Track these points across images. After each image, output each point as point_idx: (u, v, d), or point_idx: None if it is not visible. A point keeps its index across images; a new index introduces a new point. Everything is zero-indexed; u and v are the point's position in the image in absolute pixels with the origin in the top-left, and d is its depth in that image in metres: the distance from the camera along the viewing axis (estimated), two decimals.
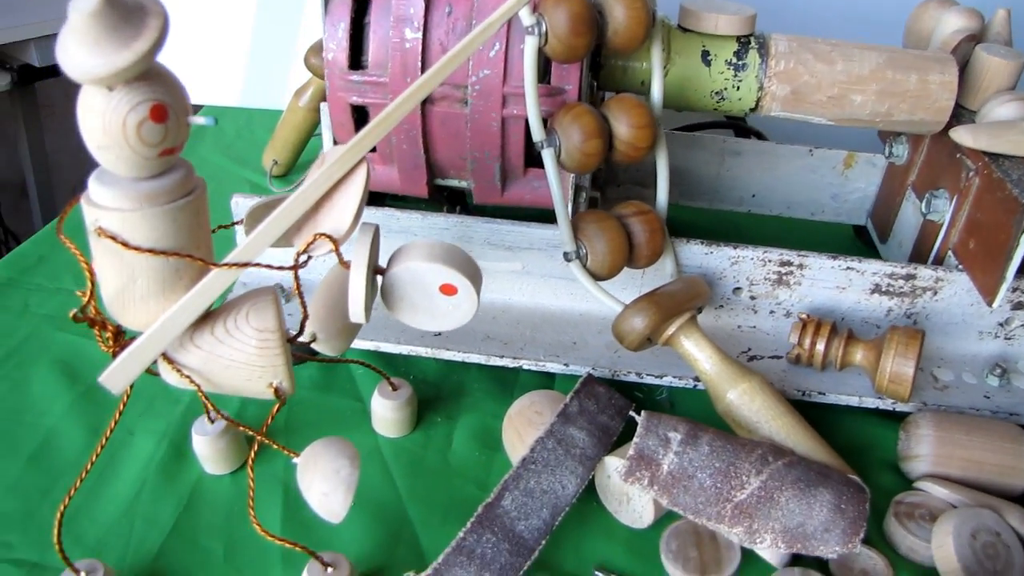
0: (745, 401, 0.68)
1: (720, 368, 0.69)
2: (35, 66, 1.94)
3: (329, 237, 0.54)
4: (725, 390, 0.69)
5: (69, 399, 0.78)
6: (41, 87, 2.16)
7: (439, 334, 0.77)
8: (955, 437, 0.70)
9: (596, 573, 0.63)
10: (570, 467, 0.65)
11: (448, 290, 0.57)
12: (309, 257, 0.56)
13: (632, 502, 0.65)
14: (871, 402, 0.74)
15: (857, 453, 0.74)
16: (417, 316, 0.59)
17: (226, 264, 0.54)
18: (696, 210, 1.02)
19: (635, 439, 0.64)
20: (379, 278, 0.59)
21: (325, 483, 0.56)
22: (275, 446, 0.61)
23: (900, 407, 0.74)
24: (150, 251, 0.52)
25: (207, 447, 0.69)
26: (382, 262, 0.60)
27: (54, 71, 1.98)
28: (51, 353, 0.84)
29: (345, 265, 0.56)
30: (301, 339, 0.61)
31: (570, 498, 0.64)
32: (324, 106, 0.78)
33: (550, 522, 0.63)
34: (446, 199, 0.89)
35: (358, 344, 0.76)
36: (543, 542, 0.62)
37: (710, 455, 0.63)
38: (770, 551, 0.63)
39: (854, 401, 0.74)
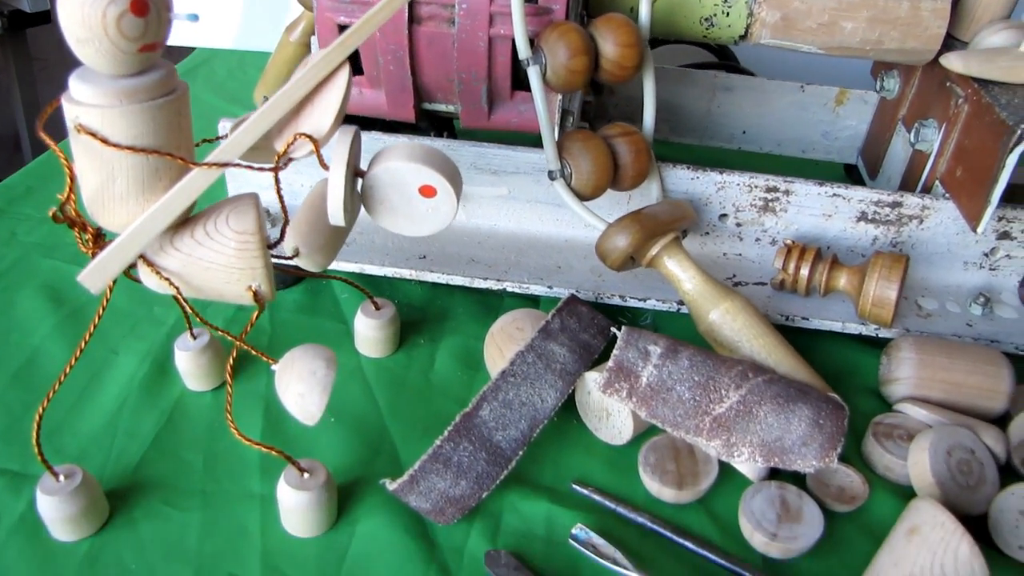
0: (727, 320, 0.68)
1: (702, 288, 0.69)
2: (26, 11, 1.92)
3: (309, 137, 0.54)
4: (707, 310, 0.69)
5: (54, 321, 0.78)
6: (33, 39, 2.14)
7: (424, 257, 0.77)
8: (936, 360, 0.70)
9: (573, 486, 0.64)
10: (550, 381, 0.65)
11: (427, 192, 0.56)
12: (290, 159, 0.56)
13: (611, 418, 0.65)
14: (854, 327, 0.74)
15: (839, 378, 0.74)
16: (397, 220, 0.59)
17: (207, 163, 0.54)
18: (685, 147, 1.02)
19: (615, 351, 0.64)
20: (359, 181, 0.58)
21: (301, 384, 0.56)
22: (254, 352, 0.60)
23: (883, 333, 0.74)
24: (129, 148, 0.51)
25: (189, 363, 0.69)
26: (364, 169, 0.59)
27: (46, 17, 1.96)
28: (38, 278, 0.83)
29: (325, 166, 0.55)
30: (282, 251, 0.61)
31: (549, 411, 0.64)
32: (315, 39, 0.78)
33: (528, 433, 0.63)
34: (433, 128, 0.89)
35: (342, 266, 0.76)
36: (520, 453, 0.62)
37: (690, 369, 0.63)
38: (747, 465, 0.63)
39: (837, 326, 0.74)
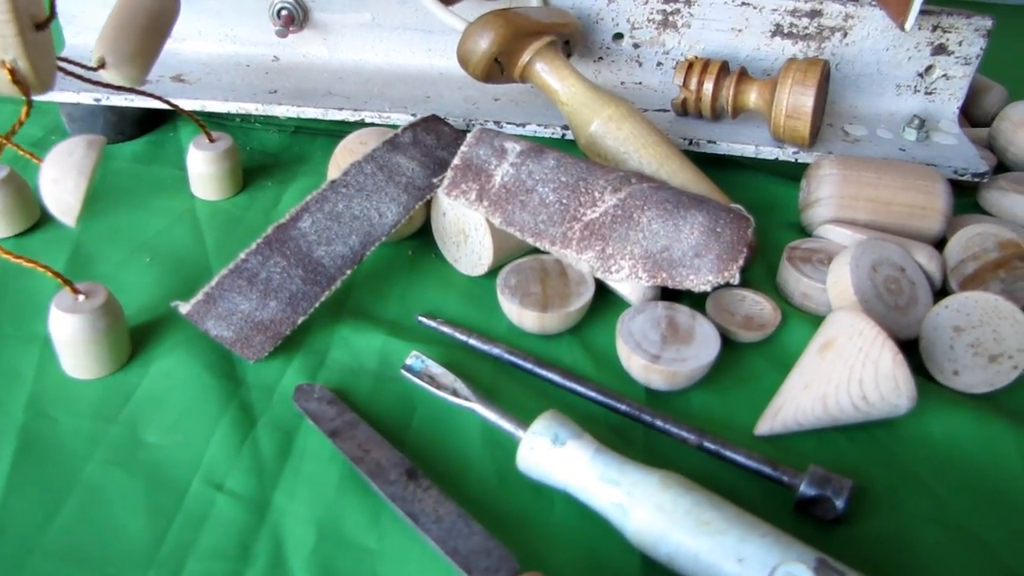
0: (610, 129, 0.54)
1: (582, 95, 0.55)
2: None
3: None
4: (588, 120, 0.55)
5: None
6: None
7: (275, 92, 0.63)
8: (862, 176, 0.56)
9: (419, 319, 0.50)
10: (391, 194, 0.51)
11: None
12: None
13: (469, 241, 0.52)
14: (769, 151, 0.60)
15: (756, 213, 0.60)
16: None
17: None
18: None
19: (462, 147, 0.50)
20: None
21: (53, 168, 0.42)
22: (20, 151, 0.47)
23: (803, 158, 0.60)
24: None
25: None
26: None
27: None
28: None
29: None
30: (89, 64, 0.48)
31: (388, 227, 0.50)
32: None
33: (359, 250, 0.49)
34: None
35: (184, 104, 0.62)
36: (347, 272, 0.48)
37: (556, 169, 0.49)
38: (629, 284, 0.49)
39: (750, 150, 0.60)
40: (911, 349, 0.49)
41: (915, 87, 0.64)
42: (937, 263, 0.52)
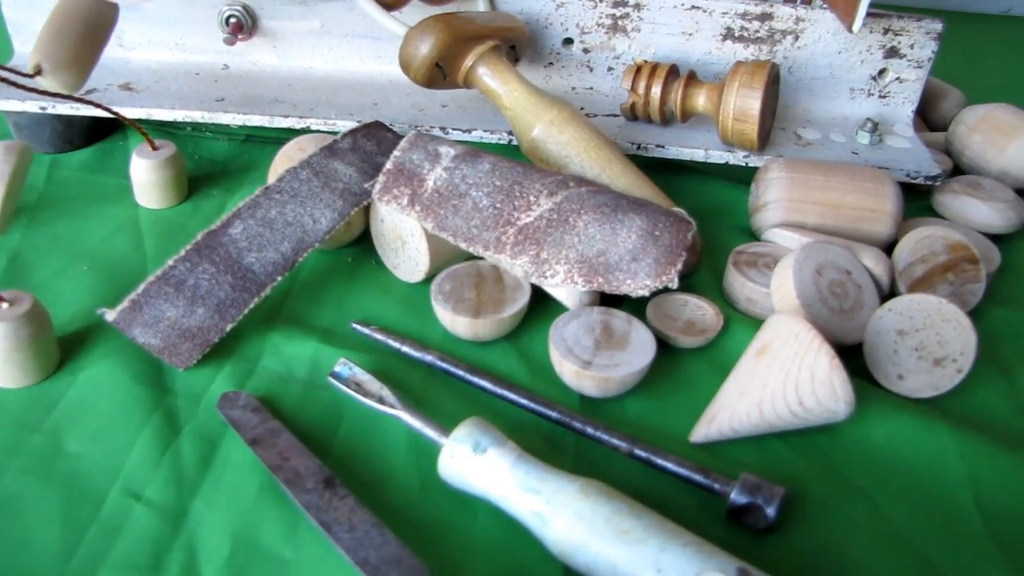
0: (552, 133, 0.53)
1: (524, 99, 0.54)
2: None
3: None
4: (531, 124, 0.54)
5: None
6: None
7: (221, 100, 0.62)
8: (810, 179, 0.55)
9: (353, 326, 0.49)
10: (327, 200, 0.50)
11: None
12: None
13: (407, 247, 0.51)
14: (719, 155, 0.59)
15: (706, 217, 0.59)
16: None
17: None
18: None
19: (395, 152, 0.49)
20: None
21: None
22: None
23: (755, 162, 0.59)
24: None
25: None
26: None
27: None
28: None
29: None
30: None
31: (321, 233, 0.49)
32: None
33: (291, 256, 0.48)
34: None
35: (128, 112, 0.61)
36: (278, 278, 0.47)
37: (491, 173, 0.48)
38: (565, 289, 0.48)
39: (699, 155, 0.59)
40: (856, 353, 0.48)
41: (869, 90, 0.63)
42: (885, 266, 0.51)
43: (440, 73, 0.55)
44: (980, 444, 0.44)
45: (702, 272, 0.55)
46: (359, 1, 0.55)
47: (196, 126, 0.67)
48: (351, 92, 0.63)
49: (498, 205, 0.47)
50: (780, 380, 0.42)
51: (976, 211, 0.59)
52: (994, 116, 0.63)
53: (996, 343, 0.52)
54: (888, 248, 0.54)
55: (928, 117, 0.72)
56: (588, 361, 0.44)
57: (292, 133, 0.60)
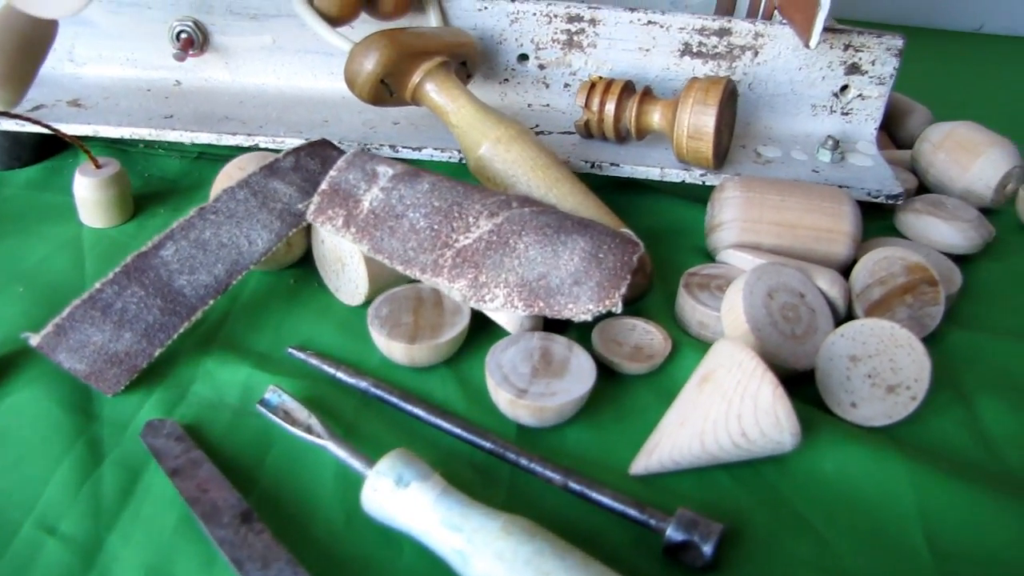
0: (499, 152, 0.52)
1: (471, 117, 0.53)
2: None
3: None
4: (478, 142, 0.53)
5: None
6: None
7: (170, 117, 0.60)
8: (766, 199, 0.53)
9: (289, 351, 0.47)
10: (264, 221, 0.48)
11: None
12: None
13: (347, 268, 0.49)
14: (675, 173, 0.57)
15: (662, 237, 0.58)
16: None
17: None
18: None
19: (331, 171, 0.47)
20: None
21: None
22: None
23: (712, 180, 0.58)
24: None
25: None
26: None
27: None
28: None
29: None
30: None
31: (258, 255, 0.47)
32: None
33: (224, 279, 0.46)
34: None
35: (75, 128, 0.60)
36: (210, 302, 0.45)
37: (430, 193, 0.47)
38: (505, 314, 0.46)
39: (655, 173, 0.58)
40: (809, 380, 0.47)
41: (831, 107, 0.62)
42: (840, 288, 0.49)
43: (386, 90, 0.53)
44: (933, 476, 0.42)
45: (655, 295, 0.53)
46: (304, 17, 0.54)
47: (149, 143, 0.66)
48: (303, 109, 0.61)
49: (436, 227, 0.45)
50: (722, 410, 0.41)
51: (938, 231, 0.57)
52: (959, 134, 0.62)
53: (955, 368, 0.50)
54: (847, 270, 0.53)
55: (895, 134, 0.71)
56: (524, 389, 0.42)
57: (243, 151, 0.59)
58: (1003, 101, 0.94)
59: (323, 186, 0.46)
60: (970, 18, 1.09)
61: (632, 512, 0.39)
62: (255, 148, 0.58)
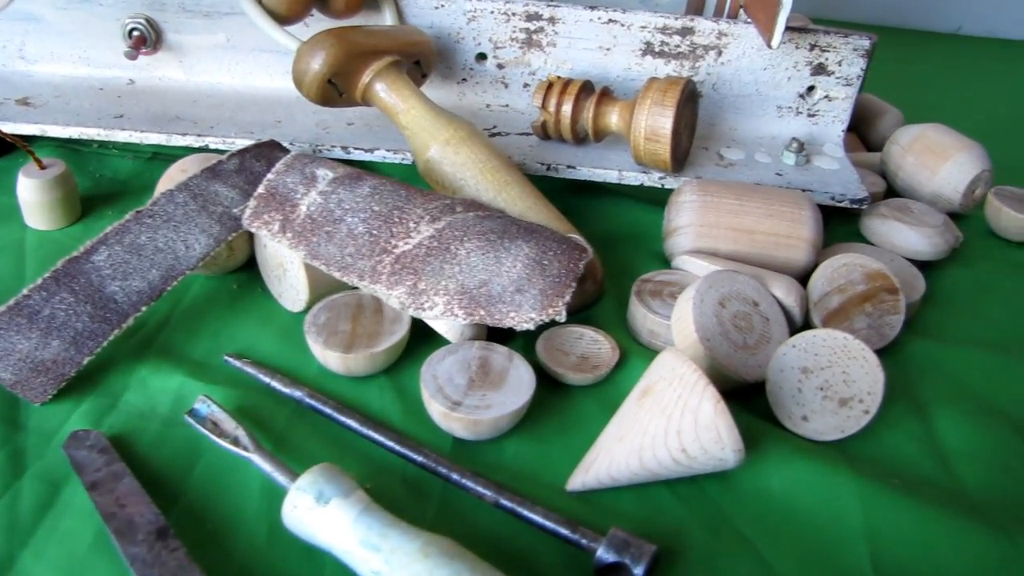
0: (448, 154, 0.50)
1: (421, 118, 0.51)
2: None
3: None
4: (427, 144, 0.51)
5: None
6: None
7: (121, 116, 0.59)
8: (724, 203, 0.51)
9: (226, 358, 0.46)
10: (203, 225, 0.47)
11: None
12: None
13: (288, 274, 0.47)
14: (633, 176, 0.56)
15: (619, 242, 0.56)
16: None
17: None
18: None
19: (268, 175, 0.46)
20: None
21: None
22: None
23: (671, 183, 0.56)
24: None
25: None
26: None
27: None
28: None
29: None
30: None
31: (195, 260, 0.46)
32: None
33: (159, 285, 0.45)
34: None
35: (22, 128, 0.58)
36: (142, 308, 0.44)
37: (370, 197, 0.45)
38: (445, 322, 0.45)
39: (612, 176, 0.56)
40: (761, 392, 0.45)
41: (797, 109, 0.60)
42: (797, 296, 0.48)
43: (335, 90, 0.52)
44: (882, 493, 0.40)
45: (607, 302, 0.51)
46: (251, 15, 0.53)
47: (103, 143, 0.65)
48: (256, 109, 0.60)
49: (375, 232, 0.44)
50: (662, 425, 0.39)
51: (903, 237, 0.56)
52: (928, 137, 0.60)
53: (913, 378, 0.48)
54: (807, 277, 0.51)
55: (866, 137, 0.69)
56: (458, 402, 0.41)
57: (194, 151, 0.57)
58: (978, 104, 0.92)
59: (260, 190, 0.45)
60: (949, 19, 1.07)
61: (563, 531, 0.37)
62: (205, 149, 0.57)
